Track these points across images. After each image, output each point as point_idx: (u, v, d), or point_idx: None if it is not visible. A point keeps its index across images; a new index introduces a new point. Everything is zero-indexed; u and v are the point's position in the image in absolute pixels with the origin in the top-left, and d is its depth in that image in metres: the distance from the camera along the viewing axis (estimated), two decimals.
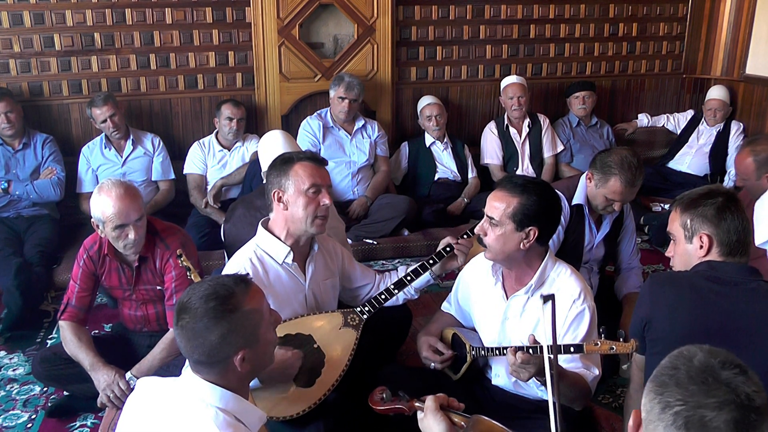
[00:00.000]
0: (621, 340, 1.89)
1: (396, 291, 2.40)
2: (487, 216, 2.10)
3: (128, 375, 2.53)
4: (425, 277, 2.45)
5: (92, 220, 2.53)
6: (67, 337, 2.58)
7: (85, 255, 2.62)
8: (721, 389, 1.02)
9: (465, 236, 2.48)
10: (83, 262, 2.62)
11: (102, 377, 2.51)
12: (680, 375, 1.06)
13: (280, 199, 2.25)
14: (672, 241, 1.98)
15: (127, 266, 2.64)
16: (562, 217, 2.78)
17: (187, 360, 2.07)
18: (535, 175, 4.75)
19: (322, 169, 2.28)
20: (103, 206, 2.46)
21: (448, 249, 2.43)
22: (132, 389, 2.45)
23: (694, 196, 1.91)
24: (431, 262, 2.43)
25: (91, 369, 2.52)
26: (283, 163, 2.27)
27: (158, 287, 2.66)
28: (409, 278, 2.41)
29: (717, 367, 1.05)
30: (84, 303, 2.64)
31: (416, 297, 2.56)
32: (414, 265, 2.47)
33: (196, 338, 1.42)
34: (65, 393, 2.72)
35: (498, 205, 2.07)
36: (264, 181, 3.02)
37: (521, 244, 2.07)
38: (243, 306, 1.45)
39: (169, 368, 2.48)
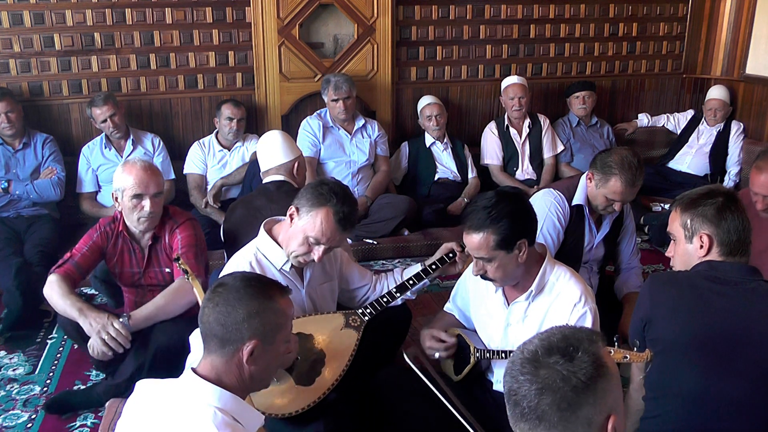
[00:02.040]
0: (635, 349, 1.87)
1: (398, 294, 2.42)
2: (476, 258, 2.11)
3: (122, 317, 2.46)
4: (424, 280, 2.48)
5: (113, 192, 2.63)
6: (55, 287, 2.50)
7: (100, 228, 2.68)
8: (539, 377, 1.13)
9: None
10: (97, 234, 2.67)
11: (93, 320, 2.42)
12: (514, 368, 1.17)
13: (291, 216, 2.25)
14: (672, 241, 1.98)
15: (139, 248, 2.69)
16: (562, 218, 2.80)
17: (186, 361, 2.07)
18: (535, 176, 4.76)
19: (340, 233, 2.21)
20: (125, 176, 2.57)
21: (450, 255, 2.46)
22: (128, 328, 2.42)
23: (694, 196, 1.91)
24: (434, 267, 2.46)
25: (80, 315, 2.44)
26: (320, 196, 2.19)
27: (167, 269, 2.70)
28: (411, 282, 2.44)
29: (542, 354, 1.15)
30: (82, 264, 2.63)
31: (413, 297, 2.61)
32: (414, 267, 2.49)
33: (225, 305, 1.48)
34: (64, 391, 2.72)
35: (478, 244, 2.06)
36: (264, 181, 3.03)
37: (518, 259, 2.09)
38: (277, 301, 1.52)
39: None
